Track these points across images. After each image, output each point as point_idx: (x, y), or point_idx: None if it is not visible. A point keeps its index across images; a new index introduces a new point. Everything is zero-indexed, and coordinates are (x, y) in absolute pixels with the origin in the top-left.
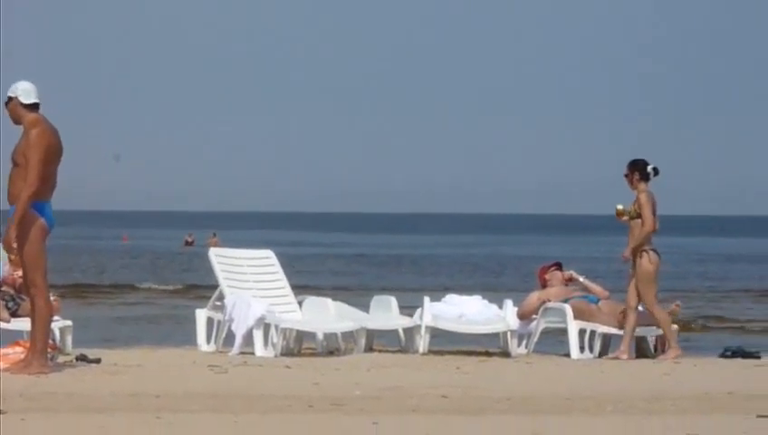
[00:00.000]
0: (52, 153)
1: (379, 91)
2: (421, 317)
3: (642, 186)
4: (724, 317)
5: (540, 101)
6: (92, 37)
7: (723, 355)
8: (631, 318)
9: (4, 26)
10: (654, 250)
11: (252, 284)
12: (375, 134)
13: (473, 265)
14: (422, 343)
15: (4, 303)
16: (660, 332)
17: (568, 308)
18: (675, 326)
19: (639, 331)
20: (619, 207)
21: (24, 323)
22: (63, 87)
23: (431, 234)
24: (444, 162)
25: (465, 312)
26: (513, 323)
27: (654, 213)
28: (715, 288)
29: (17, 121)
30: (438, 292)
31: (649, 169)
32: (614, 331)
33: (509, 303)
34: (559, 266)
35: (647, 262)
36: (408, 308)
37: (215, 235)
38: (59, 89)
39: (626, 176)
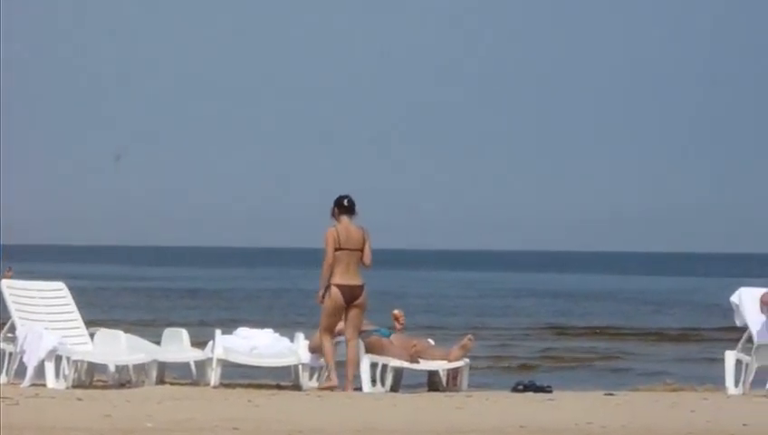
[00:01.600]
0: None
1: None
2: (213, 350)
3: (342, 219)
4: (512, 356)
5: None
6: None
7: (515, 389)
8: (332, 348)
9: (4, 27)
10: (337, 285)
11: (43, 315)
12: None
13: (266, 299)
14: (214, 375)
15: None
16: (454, 365)
17: (361, 342)
18: (467, 360)
19: (432, 364)
20: None
21: None
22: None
23: (227, 267)
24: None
25: (257, 345)
26: (305, 356)
27: (359, 248)
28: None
29: None
30: (230, 325)
31: (345, 202)
32: (406, 365)
33: (300, 336)
34: None
35: (327, 296)
36: (200, 341)
37: (10, 268)
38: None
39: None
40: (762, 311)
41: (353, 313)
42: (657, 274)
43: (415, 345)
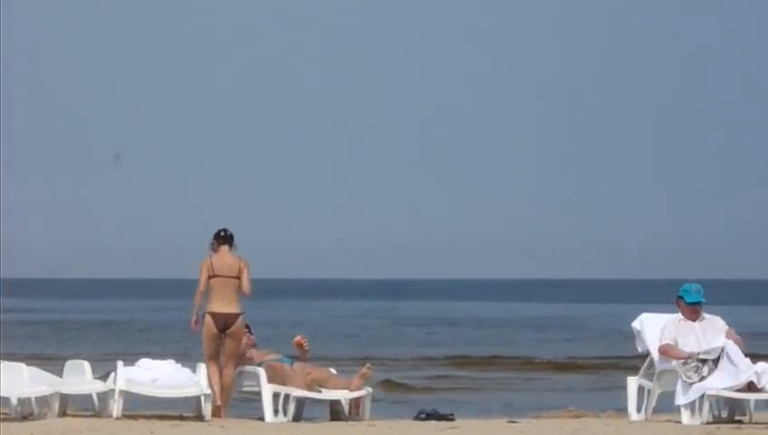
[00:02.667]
0: None
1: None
2: (115, 381)
3: (220, 249)
4: (413, 385)
5: None
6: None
7: (417, 418)
8: (215, 375)
9: (4, 27)
10: (210, 313)
11: None
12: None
13: (164, 331)
14: (116, 407)
15: None
16: (356, 395)
17: (261, 371)
18: (369, 389)
19: (334, 394)
20: None
21: None
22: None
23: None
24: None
25: (159, 376)
26: (207, 386)
27: (235, 276)
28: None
29: None
30: (132, 356)
31: (222, 233)
32: (308, 394)
33: (202, 367)
34: (249, 330)
35: (203, 324)
36: (102, 373)
37: None
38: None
39: None
40: (660, 359)
41: (228, 341)
42: (558, 300)
43: (310, 373)
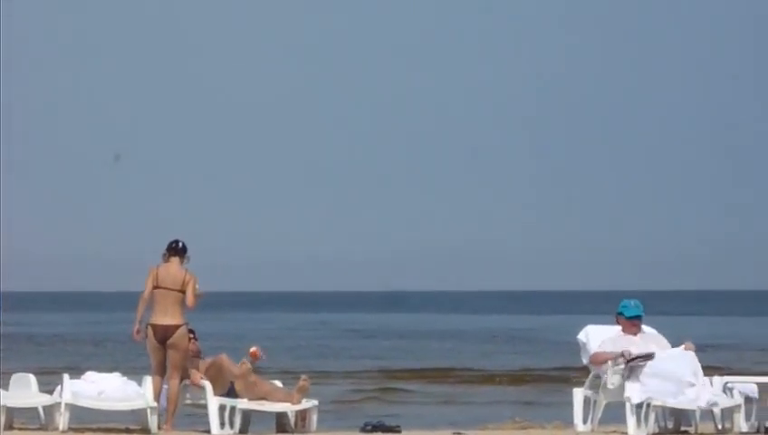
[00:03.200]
0: None
1: None
2: (61, 394)
3: (171, 260)
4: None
5: None
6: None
7: (363, 430)
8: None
9: (4, 27)
10: (151, 325)
11: None
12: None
13: (112, 344)
14: (62, 420)
15: None
16: (301, 407)
17: (208, 384)
18: (315, 401)
19: (278, 406)
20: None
21: None
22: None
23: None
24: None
25: (105, 389)
26: (153, 399)
27: (179, 289)
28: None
29: None
30: (79, 370)
31: (174, 245)
32: (253, 406)
33: (148, 379)
34: (194, 335)
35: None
36: (48, 386)
37: None
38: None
39: None
40: (591, 368)
41: (170, 353)
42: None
43: (255, 382)
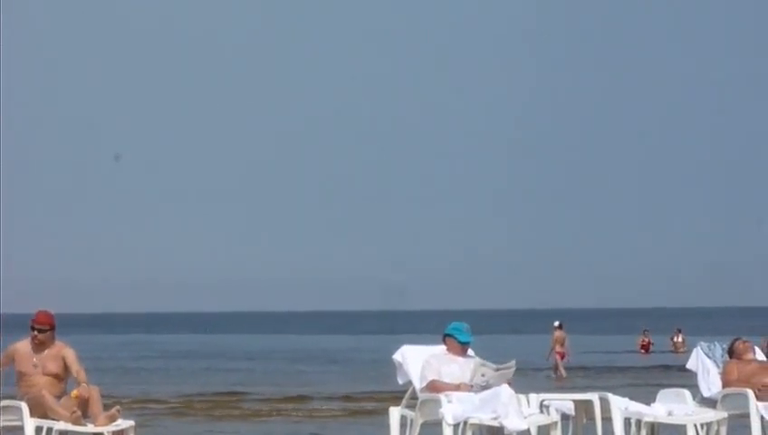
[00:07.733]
0: None
1: None
2: None
3: None
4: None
5: None
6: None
7: None
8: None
9: (4, 27)
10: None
11: None
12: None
13: None
14: None
15: None
16: (119, 428)
17: (23, 404)
18: (131, 422)
19: (98, 428)
20: None
21: None
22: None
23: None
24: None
25: None
26: None
27: None
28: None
29: None
30: None
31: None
32: (71, 427)
33: None
34: None
35: None
36: None
37: None
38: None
39: None
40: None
41: None
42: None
43: (75, 411)
